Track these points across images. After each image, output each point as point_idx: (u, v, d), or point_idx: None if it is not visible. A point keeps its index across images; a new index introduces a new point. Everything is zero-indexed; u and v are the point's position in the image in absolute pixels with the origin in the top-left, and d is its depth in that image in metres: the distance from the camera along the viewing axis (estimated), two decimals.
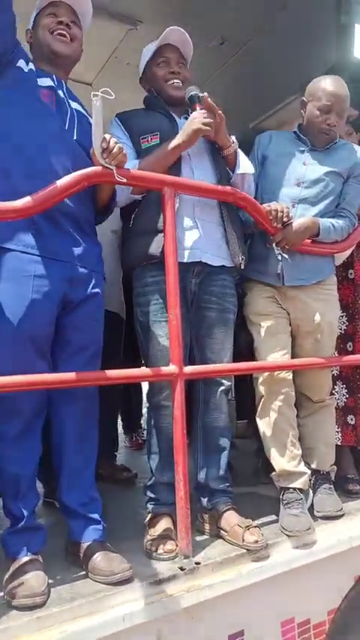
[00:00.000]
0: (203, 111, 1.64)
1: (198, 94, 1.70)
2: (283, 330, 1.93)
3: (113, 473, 2.47)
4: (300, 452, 1.87)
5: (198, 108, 1.66)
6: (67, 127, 1.54)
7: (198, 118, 1.62)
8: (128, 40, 2.62)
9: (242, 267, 1.80)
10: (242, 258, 1.78)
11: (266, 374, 1.89)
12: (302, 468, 1.85)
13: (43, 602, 1.25)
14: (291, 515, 1.72)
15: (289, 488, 1.81)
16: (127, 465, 2.60)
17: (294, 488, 1.80)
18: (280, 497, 1.82)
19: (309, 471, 1.89)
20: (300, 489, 1.81)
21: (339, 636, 1.74)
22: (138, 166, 1.64)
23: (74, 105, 1.62)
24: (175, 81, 1.81)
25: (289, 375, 1.90)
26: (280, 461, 1.83)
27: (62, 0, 1.61)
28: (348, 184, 2.00)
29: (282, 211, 1.76)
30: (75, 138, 1.55)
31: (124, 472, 2.46)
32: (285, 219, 1.77)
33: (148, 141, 1.74)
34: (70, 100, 1.61)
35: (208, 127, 1.62)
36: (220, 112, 1.68)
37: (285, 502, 1.78)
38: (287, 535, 1.65)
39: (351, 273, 2.22)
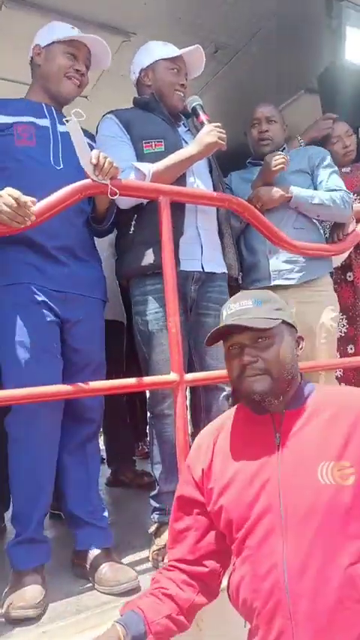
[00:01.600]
0: (216, 124, 1.67)
1: (201, 104, 1.73)
2: None
3: (134, 478, 2.52)
4: None
5: (205, 120, 1.70)
6: (52, 159, 1.56)
7: (213, 131, 1.65)
8: (122, 51, 2.63)
9: (240, 280, 1.82)
10: (239, 273, 1.80)
11: None
12: None
13: (36, 615, 1.24)
14: None
15: None
16: None
17: None
18: None
19: None
20: None
21: None
22: (153, 171, 1.63)
23: (63, 128, 1.59)
24: (182, 93, 1.83)
25: None
26: None
27: (85, 44, 1.65)
28: (316, 174, 2.05)
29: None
30: (61, 167, 1.56)
31: (145, 477, 2.47)
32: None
33: (152, 146, 1.73)
34: (60, 125, 1.61)
35: (223, 142, 1.65)
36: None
37: None
38: None
39: (350, 276, 2.22)
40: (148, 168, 1.64)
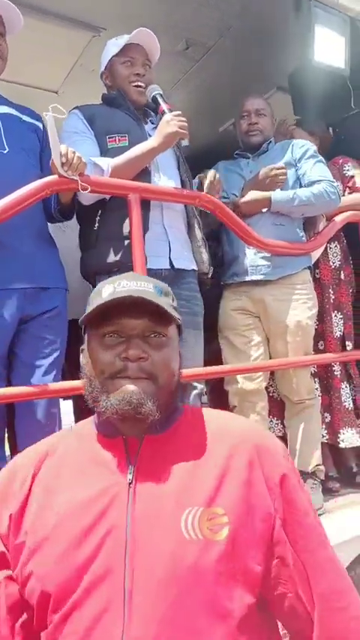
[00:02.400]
0: (176, 112, 1.62)
1: (161, 93, 1.69)
2: (252, 343, 1.96)
3: None
4: None
5: (166, 109, 1.64)
6: None
7: (173, 120, 1.59)
8: (92, 46, 2.60)
9: (209, 275, 1.81)
10: (209, 268, 1.79)
11: (237, 386, 1.93)
12: None
13: None
14: None
15: None
16: None
17: None
18: None
19: None
20: None
21: None
22: (112, 166, 1.61)
23: (2, 109, 1.56)
24: (139, 85, 1.78)
25: (261, 386, 1.93)
26: None
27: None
28: (299, 167, 2.05)
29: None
30: (7, 150, 1.51)
31: None
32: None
33: (116, 141, 1.71)
34: None
35: (184, 131, 1.60)
36: None
37: None
38: None
39: (317, 273, 2.24)
40: (107, 163, 1.61)
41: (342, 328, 2.23)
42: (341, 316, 2.24)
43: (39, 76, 2.80)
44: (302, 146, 2.08)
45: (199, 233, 1.82)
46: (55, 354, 1.56)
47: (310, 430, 2.01)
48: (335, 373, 2.21)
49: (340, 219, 2.14)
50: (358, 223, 2.22)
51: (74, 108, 1.78)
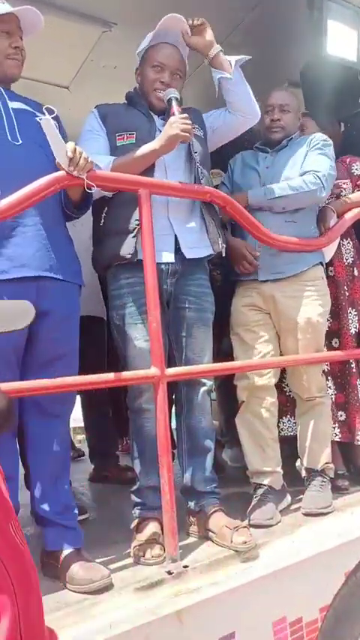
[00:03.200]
0: (182, 115, 1.63)
1: (177, 97, 1.69)
2: (262, 339, 1.95)
3: (118, 474, 2.51)
4: (276, 453, 1.94)
5: (176, 112, 1.65)
6: (8, 135, 1.50)
7: (176, 123, 1.60)
8: (103, 42, 2.59)
9: (223, 254, 1.80)
10: (222, 246, 1.78)
11: (247, 382, 1.93)
12: (274, 468, 1.91)
13: None
14: (255, 506, 1.80)
15: (260, 484, 1.88)
16: None
17: (264, 485, 1.87)
18: (253, 492, 1.89)
19: (281, 471, 1.94)
20: (270, 487, 1.86)
21: (332, 632, 1.73)
22: (111, 165, 1.63)
23: (15, 105, 1.56)
24: (160, 92, 1.77)
25: (270, 382, 1.93)
26: (253, 461, 1.92)
27: (14, 15, 1.57)
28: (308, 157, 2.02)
29: None
30: (20, 142, 1.51)
31: (129, 472, 2.45)
32: None
33: (123, 138, 1.73)
34: (10, 102, 1.57)
35: (186, 134, 1.60)
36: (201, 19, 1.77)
37: (254, 495, 1.85)
38: (251, 525, 1.70)
39: (331, 271, 2.23)
40: (107, 162, 1.63)
41: (357, 325, 2.21)
42: (355, 313, 2.22)
43: (50, 71, 2.79)
44: (315, 139, 2.05)
45: (211, 214, 1.79)
46: (70, 354, 1.56)
47: (319, 428, 2.00)
48: (353, 371, 2.19)
49: (350, 216, 2.12)
50: None
51: (95, 107, 1.81)
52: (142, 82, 1.83)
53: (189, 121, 1.62)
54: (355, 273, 2.26)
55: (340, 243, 2.23)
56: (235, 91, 1.82)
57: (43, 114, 1.37)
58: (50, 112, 1.36)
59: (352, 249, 2.27)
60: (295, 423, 2.15)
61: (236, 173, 2.12)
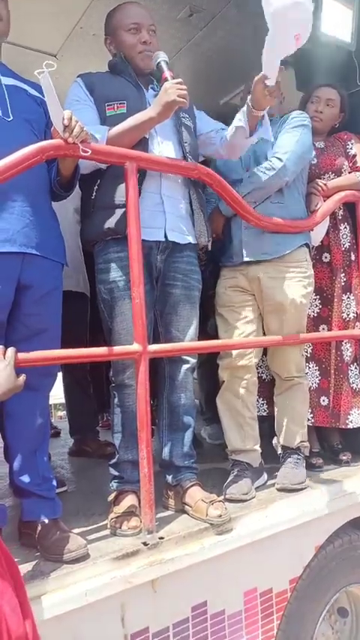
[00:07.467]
0: (177, 80, 1.56)
1: (167, 60, 1.64)
2: (245, 319, 1.97)
3: (98, 448, 2.55)
4: (255, 432, 1.98)
5: (169, 77, 1.58)
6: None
7: (172, 89, 1.53)
8: (92, 10, 2.51)
9: (209, 248, 1.80)
10: (208, 240, 1.78)
11: (228, 360, 1.95)
12: (253, 446, 1.96)
13: None
14: (231, 481, 1.84)
15: (238, 461, 1.93)
16: None
17: (242, 461, 1.92)
18: (230, 468, 1.93)
19: (259, 450, 1.98)
20: (248, 464, 1.91)
21: (300, 602, 1.80)
22: (107, 135, 1.58)
23: (8, 81, 1.52)
24: (146, 52, 1.72)
25: (251, 362, 1.95)
26: (232, 439, 1.97)
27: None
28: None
29: None
30: (11, 119, 1.47)
31: (109, 447, 2.49)
32: None
33: (114, 108, 1.68)
34: (3, 77, 1.52)
35: (183, 100, 1.54)
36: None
37: (231, 471, 1.90)
38: (226, 499, 1.74)
39: (326, 257, 2.23)
40: (103, 132, 1.58)
41: (355, 310, 2.22)
42: (353, 297, 2.23)
43: (38, 38, 2.71)
44: (289, 118, 2.03)
45: (199, 204, 1.79)
46: (52, 329, 1.55)
47: (296, 407, 2.04)
48: (345, 358, 2.20)
49: (336, 198, 2.12)
50: (355, 203, 2.21)
51: (78, 76, 1.75)
52: (121, 49, 1.76)
53: (184, 86, 1.56)
54: (352, 257, 2.27)
55: (338, 227, 2.24)
56: (242, 145, 1.83)
57: (42, 91, 1.33)
58: (49, 66, 1.29)
59: (349, 234, 2.27)
60: (267, 404, 2.22)
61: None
